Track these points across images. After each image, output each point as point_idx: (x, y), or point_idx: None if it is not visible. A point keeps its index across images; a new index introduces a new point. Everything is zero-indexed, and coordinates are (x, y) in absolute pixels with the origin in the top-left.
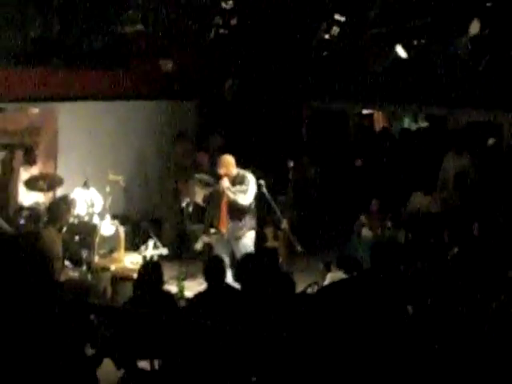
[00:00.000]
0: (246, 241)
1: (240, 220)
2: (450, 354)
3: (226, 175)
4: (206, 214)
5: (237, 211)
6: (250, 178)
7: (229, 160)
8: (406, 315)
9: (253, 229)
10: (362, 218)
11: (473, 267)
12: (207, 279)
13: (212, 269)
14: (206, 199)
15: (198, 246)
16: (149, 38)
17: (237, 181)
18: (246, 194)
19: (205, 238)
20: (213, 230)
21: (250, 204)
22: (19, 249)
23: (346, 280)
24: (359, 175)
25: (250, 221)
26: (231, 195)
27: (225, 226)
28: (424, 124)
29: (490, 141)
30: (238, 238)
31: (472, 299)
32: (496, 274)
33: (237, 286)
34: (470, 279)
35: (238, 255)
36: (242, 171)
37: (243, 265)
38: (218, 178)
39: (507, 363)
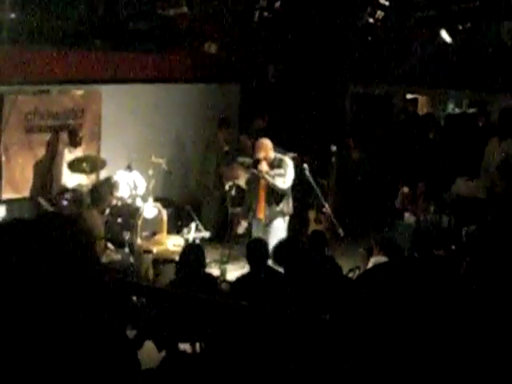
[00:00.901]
0: (278, 224)
1: (277, 204)
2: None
3: (265, 159)
4: (245, 198)
5: (275, 196)
6: (288, 162)
7: (267, 143)
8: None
9: (288, 214)
10: (402, 193)
11: None
12: (250, 262)
13: (255, 251)
14: (247, 183)
15: (240, 229)
16: (193, 21)
17: (275, 164)
18: (285, 178)
19: (243, 223)
20: (251, 214)
21: (288, 188)
22: (58, 228)
23: (388, 264)
24: (404, 159)
25: (286, 206)
26: (270, 179)
27: (262, 211)
28: (469, 109)
29: None
30: (272, 222)
31: None
32: None
33: (278, 268)
34: None
35: (269, 238)
36: (279, 155)
37: (287, 247)
38: (256, 162)
39: None
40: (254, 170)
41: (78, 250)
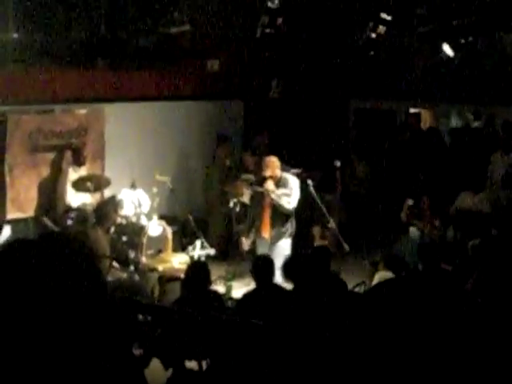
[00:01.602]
0: (283, 245)
1: (283, 225)
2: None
3: (271, 177)
4: (247, 216)
5: (280, 216)
6: (294, 182)
7: (274, 161)
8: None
9: (293, 234)
10: (407, 206)
11: None
12: (256, 279)
13: (260, 268)
14: (251, 200)
15: (245, 246)
16: (195, 38)
17: (280, 183)
18: (291, 198)
19: (245, 240)
20: (253, 231)
21: (293, 208)
22: (63, 248)
23: (394, 280)
24: (408, 174)
25: (291, 226)
26: (276, 199)
27: (267, 231)
28: (473, 123)
29: None
30: (278, 242)
31: None
32: None
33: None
34: None
35: (274, 258)
36: (284, 174)
37: (293, 264)
38: (262, 179)
39: None
40: (260, 188)
41: (84, 268)
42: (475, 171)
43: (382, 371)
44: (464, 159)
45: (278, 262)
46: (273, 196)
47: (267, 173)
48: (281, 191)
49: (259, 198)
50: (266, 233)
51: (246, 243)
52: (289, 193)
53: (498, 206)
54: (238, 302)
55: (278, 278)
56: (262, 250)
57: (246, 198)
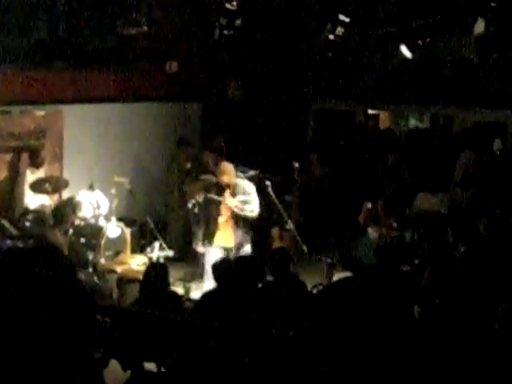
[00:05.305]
0: (247, 249)
1: (246, 232)
2: (455, 356)
3: (228, 185)
4: (200, 220)
5: (244, 222)
6: (251, 187)
7: (230, 168)
8: (411, 315)
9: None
10: (365, 209)
11: (480, 267)
12: (216, 280)
13: (220, 270)
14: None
15: (201, 248)
16: (154, 40)
17: (237, 191)
18: (252, 205)
19: (200, 247)
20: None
21: (257, 214)
22: (50, 258)
23: (349, 279)
24: (366, 175)
25: (250, 230)
26: (239, 212)
27: (231, 240)
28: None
29: (496, 144)
30: (243, 248)
31: (479, 300)
32: (504, 276)
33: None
34: (477, 280)
35: None
36: (239, 180)
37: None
38: (220, 188)
39: None
40: (218, 198)
41: (69, 278)
42: (432, 172)
43: (340, 367)
44: (421, 160)
45: None
46: (236, 210)
47: (225, 178)
48: (240, 198)
49: (214, 204)
50: (231, 242)
51: (200, 246)
52: (248, 199)
53: (456, 206)
54: (196, 302)
55: None
56: (214, 256)
57: (201, 198)
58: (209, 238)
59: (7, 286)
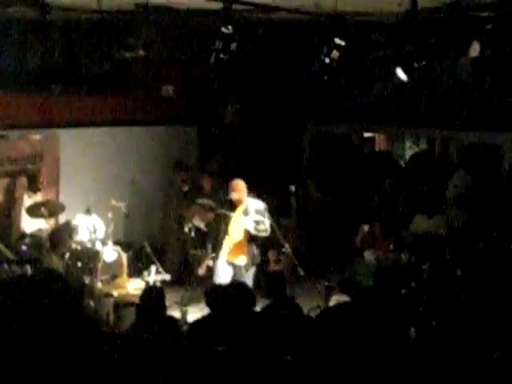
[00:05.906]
0: (254, 269)
1: (257, 253)
2: (452, 378)
3: (238, 201)
4: (207, 239)
5: (257, 240)
6: (262, 206)
7: (241, 185)
8: (408, 338)
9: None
10: (362, 231)
11: (478, 288)
12: (209, 305)
13: (214, 296)
14: (210, 224)
15: (201, 271)
16: (149, 64)
17: (250, 209)
18: (266, 225)
19: (204, 265)
20: (213, 255)
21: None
22: (56, 285)
23: (347, 303)
24: (363, 198)
25: (259, 253)
26: (256, 233)
27: (244, 258)
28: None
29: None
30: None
31: (477, 321)
32: (501, 297)
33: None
34: (474, 301)
35: (248, 281)
36: (251, 199)
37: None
38: (231, 204)
39: None
40: (231, 213)
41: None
42: (429, 195)
43: None
44: (418, 183)
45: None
46: (253, 232)
47: (234, 196)
48: (254, 218)
49: (224, 221)
50: (244, 260)
51: (204, 267)
52: (261, 219)
53: (453, 227)
54: (191, 327)
55: None
56: (222, 274)
57: (201, 223)
58: (218, 253)
59: (16, 315)
